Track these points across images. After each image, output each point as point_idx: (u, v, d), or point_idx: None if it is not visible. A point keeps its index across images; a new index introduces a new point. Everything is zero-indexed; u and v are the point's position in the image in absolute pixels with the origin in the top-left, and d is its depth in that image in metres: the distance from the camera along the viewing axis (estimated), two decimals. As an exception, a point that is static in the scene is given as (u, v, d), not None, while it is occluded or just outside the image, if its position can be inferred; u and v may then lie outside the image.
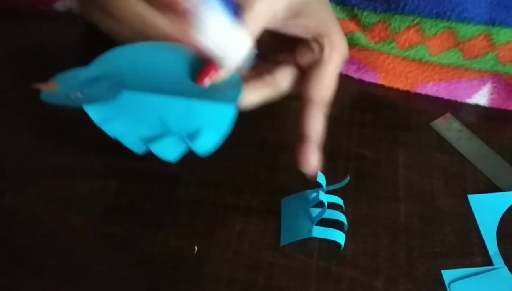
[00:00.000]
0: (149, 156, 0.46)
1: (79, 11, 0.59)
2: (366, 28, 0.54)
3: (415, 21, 0.51)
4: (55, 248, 0.41)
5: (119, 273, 0.40)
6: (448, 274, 0.40)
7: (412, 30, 0.52)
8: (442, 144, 0.49)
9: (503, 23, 0.50)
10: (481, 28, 0.50)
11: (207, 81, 0.34)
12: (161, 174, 0.45)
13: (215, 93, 0.34)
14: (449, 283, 0.40)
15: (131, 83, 0.34)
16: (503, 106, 0.53)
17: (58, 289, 0.39)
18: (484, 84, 0.53)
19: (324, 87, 0.38)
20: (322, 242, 0.42)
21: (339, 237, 0.41)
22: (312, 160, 0.38)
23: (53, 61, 0.55)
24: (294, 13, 0.37)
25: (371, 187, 0.46)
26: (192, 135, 0.35)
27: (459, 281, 0.40)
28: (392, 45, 0.53)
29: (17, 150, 0.47)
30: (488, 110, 0.53)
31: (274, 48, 0.41)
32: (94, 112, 0.36)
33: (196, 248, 0.41)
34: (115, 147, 0.47)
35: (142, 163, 0.46)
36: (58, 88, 0.36)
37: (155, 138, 0.36)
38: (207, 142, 0.35)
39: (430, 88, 0.54)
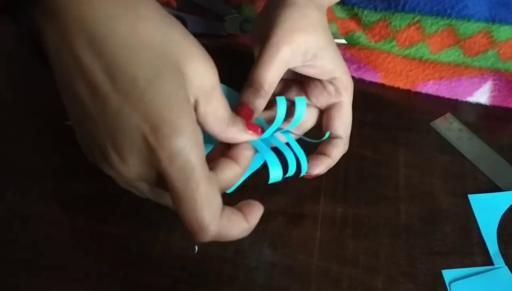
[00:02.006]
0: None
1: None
2: (366, 27, 0.53)
3: (415, 19, 0.51)
4: (55, 248, 0.41)
5: (119, 273, 0.40)
6: (448, 274, 0.40)
7: (412, 28, 0.52)
8: (443, 144, 0.49)
9: (503, 20, 0.50)
10: (481, 25, 0.50)
11: None
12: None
13: None
14: (450, 283, 0.40)
15: None
16: (504, 104, 0.53)
17: (58, 289, 0.39)
18: (485, 82, 0.53)
19: (347, 125, 0.43)
20: (323, 242, 0.42)
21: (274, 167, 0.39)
22: (318, 168, 0.42)
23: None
24: (312, 56, 0.40)
25: (372, 186, 0.45)
26: None
27: (459, 281, 0.40)
28: (392, 43, 0.53)
29: (17, 149, 0.47)
30: (488, 110, 0.53)
31: (285, 87, 0.45)
32: None
33: (196, 247, 0.41)
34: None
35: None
36: None
37: None
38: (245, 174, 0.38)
39: (430, 87, 0.54)
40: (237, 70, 0.54)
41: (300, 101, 0.39)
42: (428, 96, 0.54)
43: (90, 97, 0.30)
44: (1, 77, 0.53)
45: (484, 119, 0.52)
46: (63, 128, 0.49)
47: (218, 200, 0.32)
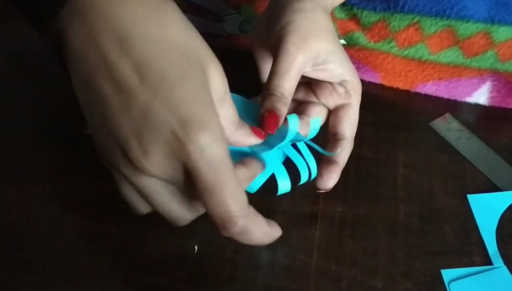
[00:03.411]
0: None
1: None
2: (365, 27, 0.54)
3: (415, 20, 0.51)
4: (55, 248, 0.41)
5: (119, 272, 0.40)
6: (447, 274, 0.40)
7: (411, 29, 0.52)
8: (442, 144, 0.49)
9: (502, 21, 0.50)
10: (480, 26, 0.50)
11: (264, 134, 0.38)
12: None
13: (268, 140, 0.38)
14: (449, 283, 0.40)
15: None
16: (503, 105, 0.53)
17: (58, 289, 0.39)
18: (483, 83, 0.53)
19: (354, 126, 0.43)
20: (322, 241, 0.42)
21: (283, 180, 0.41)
22: (332, 179, 0.42)
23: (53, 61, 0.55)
24: (322, 61, 0.40)
25: (371, 186, 0.46)
26: None
27: (458, 281, 0.40)
28: (391, 44, 0.53)
29: (17, 150, 0.47)
30: (487, 110, 0.53)
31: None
32: None
33: (196, 247, 0.41)
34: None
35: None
36: None
37: None
38: (258, 183, 0.40)
39: (429, 87, 0.54)
40: (236, 71, 0.54)
41: (315, 122, 0.41)
42: (427, 96, 0.54)
43: (115, 93, 0.30)
44: (1, 77, 0.53)
45: (483, 120, 0.52)
46: (63, 128, 0.49)
47: (244, 195, 0.33)
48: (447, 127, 0.50)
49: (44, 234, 0.42)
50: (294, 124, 0.39)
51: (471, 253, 0.41)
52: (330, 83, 0.42)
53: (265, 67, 0.45)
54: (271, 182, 0.41)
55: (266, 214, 0.42)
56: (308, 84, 0.44)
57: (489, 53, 0.51)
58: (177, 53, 0.31)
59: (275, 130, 0.38)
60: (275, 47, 0.39)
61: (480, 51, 0.51)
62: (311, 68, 0.41)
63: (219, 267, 0.40)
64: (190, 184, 0.31)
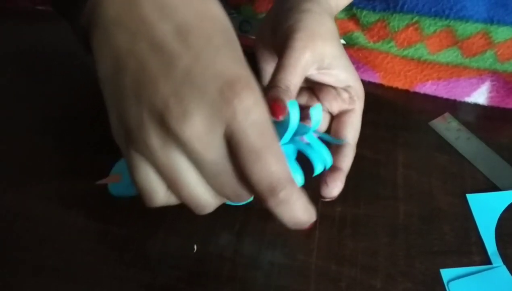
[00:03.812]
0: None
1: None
2: (365, 27, 0.54)
3: (414, 20, 0.51)
4: (55, 248, 0.41)
5: (119, 272, 0.40)
6: (446, 273, 0.40)
7: (410, 29, 0.52)
8: (441, 144, 0.49)
9: (501, 21, 0.50)
10: (479, 26, 0.50)
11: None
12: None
13: None
14: (448, 282, 0.40)
15: None
16: (502, 105, 0.53)
17: (58, 288, 0.39)
18: (483, 83, 0.53)
19: (357, 132, 0.43)
20: (321, 241, 0.42)
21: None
22: (338, 187, 0.42)
23: (53, 61, 0.55)
24: (327, 64, 0.41)
25: (370, 186, 0.46)
26: None
27: (457, 280, 0.40)
28: (391, 44, 0.53)
29: (17, 149, 0.47)
30: (486, 109, 0.53)
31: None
32: None
33: (195, 247, 0.41)
34: (114, 146, 0.48)
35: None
36: (122, 178, 0.38)
37: None
38: None
39: (429, 87, 0.54)
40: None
41: (317, 108, 0.40)
42: (426, 96, 0.54)
43: (155, 56, 0.29)
44: (1, 77, 0.53)
45: (483, 119, 0.52)
46: (63, 128, 0.49)
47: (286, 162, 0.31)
48: (447, 127, 0.51)
49: (44, 234, 0.42)
50: (294, 110, 0.38)
51: (471, 252, 0.42)
52: (334, 88, 0.43)
53: (268, 69, 0.45)
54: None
55: (266, 214, 0.42)
56: (311, 89, 0.44)
57: (488, 53, 0.51)
58: (219, 25, 0.31)
59: (281, 117, 0.37)
60: (282, 45, 0.40)
61: (479, 51, 0.52)
62: (316, 71, 0.41)
63: (219, 266, 0.40)
64: (226, 155, 0.30)
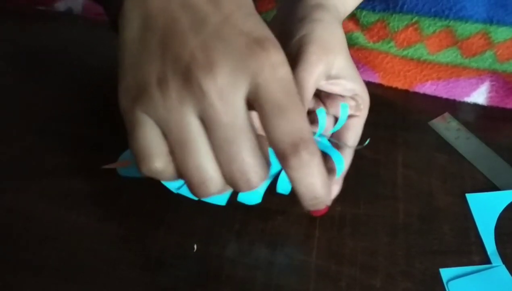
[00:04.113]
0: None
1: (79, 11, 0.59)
2: (364, 27, 0.54)
3: (413, 20, 0.52)
4: (55, 248, 0.41)
5: (119, 271, 0.40)
6: (446, 273, 0.40)
7: (410, 29, 0.52)
8: (441, 143, 0.49)
9: (501, 22, 0.50)
10: (479, 26, 0.50)
11: None
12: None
13: None
14: (447, 282, 0.40)
15: None
16: (501, 105, 0.53)
17: (58, 288, 0.39)
18: (482, 83, 0.53)
19: (357, 137, 0.44)
20: (321, 241, 0.42)
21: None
22: (335, 190, 0.42)
23: (53, 61, 0.55)
24: (335, 74, 0.41)
25: (370, 186, 0.46)
26: None
27: (457, 280, 0.40)
28: (390, 44, 0.53)
29: (17, 149, 0.47)
30: (486, 109, 0.53)
31: None
32: (172, 184, 0.39)
33: (195, 246, 0.41)
34: (116, 146, 0.48)
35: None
36: (132, 164, 0.37)
37: None
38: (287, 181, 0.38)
39: (428, 87, 0.54)
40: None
41: (345, 107, 0.42)
42: (426, 96, 0.54)
43: (187, 16, 0.29)
44: (1, 77, 0.53)
45: (482, 119, 0.52)
46: (63, 128, 0.49)
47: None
48: (446, 127, 0.51)
49: (44, 233, 0.42)
50: (322, 119, 0.39)
51: (470, 252, 0.42)
52: (341, 96, 0.43)
53: None
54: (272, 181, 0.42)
55: (265, 214, 0.43)
56: (317, 96, 0.44)
57: (488, 53, 0.51)
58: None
59: None
60: (294, 56, 0.39)
61: (479, 52, 0.52)
62: (325, 82, 0.41)
63: (219, 266, 0.40)
64: (244, 120, 0.29)
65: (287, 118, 0.29)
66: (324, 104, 0.43)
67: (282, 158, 0.29)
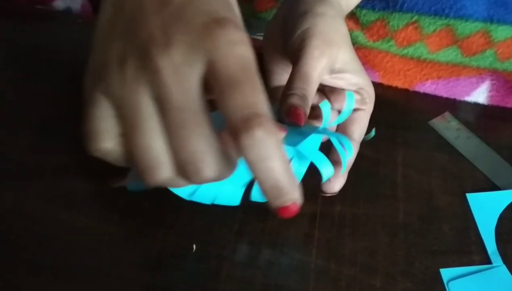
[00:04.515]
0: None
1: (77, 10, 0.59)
2: (364, 26, 0.54)
3: (413, 19, 0.51)
4: (55, 247, 0.41)
5: (119, 271, 0.40)
6: (446, 273, 0.40)
7: (410, 28, 0.52)
8: (441, 143, 0.49)
9: (501, 20, 0.50)
10: (479, 25, 0.50)
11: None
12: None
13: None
14: (448, 282, 0.40)
15: None
16: (502, 104, 0.53)
17: (58, 288, 0.39)
18: (482, 82, 0.53)
19: (363, 130, 0.44)
20: (321, 241, 0.42)
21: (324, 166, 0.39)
22: (339, 183, 0.43)
23: (53, 60, 0.55)
24: (339, 69, 0.41)
25: (370, 185, 0.46)
26: None
27: (457, 280, 0.40)
28: (390, 43, 0.53)
29: (17, 149, 0.47)
30: (486, 109, 0.53)
31: None
32: (182, 191, 0.39)
33: (194, 246, 0.41)
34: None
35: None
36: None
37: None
38: (300, 173, 0.40)
39: (428, 86, 0.54)
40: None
41: (350, 96, 0.42)
42: (426, 95, 0.54)
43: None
44: (1, 77, 0.53)
45: (482, 118, 0.52)
46: (63, 128, 0.49)
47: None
48: (446, 126, 0.50)
49: (44, 233, 0.42)
50: (327, 112, 0.39)
51: (470, 252, 0.42)
52: (345, 89, 0.43)
53: (277, 71, 0.45)
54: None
55: (265, 214, 0.43)
56: (321, 91, 0.44)
57: (488, 52, 0.51)
58: None
59: (303, 123, 0.37)
60: (296, 50, 0.39)
61: (479, 51, 0.52)
62: (328, 76, 0.41)
63: (218, 266, 0.40)
64: (196, 102, 0.28)
65: (240, 91, 0.27)
66: (329, 99, 0.43)
67: (235, 137, 0.27)
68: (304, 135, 0.38)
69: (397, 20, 0.52)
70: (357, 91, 0.42)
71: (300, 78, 0.38)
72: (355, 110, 0.43)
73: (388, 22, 0.52)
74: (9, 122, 0.50)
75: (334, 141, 0.40)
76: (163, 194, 0.44)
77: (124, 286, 0.39)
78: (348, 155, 0.42)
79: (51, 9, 0.59)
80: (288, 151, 0.38)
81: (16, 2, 0.59)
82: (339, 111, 0.43)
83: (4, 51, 0.56)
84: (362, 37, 0.54)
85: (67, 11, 0.59)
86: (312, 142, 0.39)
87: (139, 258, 0.41)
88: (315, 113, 0.42)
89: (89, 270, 0.40)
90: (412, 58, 0.53)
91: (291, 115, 0.37)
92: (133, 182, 0.40)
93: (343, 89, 0.42)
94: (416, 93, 0.54)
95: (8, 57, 0.55)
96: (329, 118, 0.40)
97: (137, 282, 0.39)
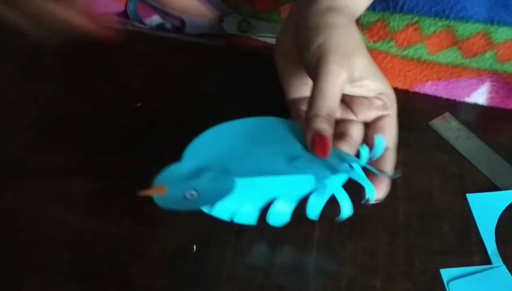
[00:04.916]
0: (148, 155, 0.46)
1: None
2: (364, 27, 0.54)
3: (414, 20, 0.51)
4: (55, 248, 0.41)
5: (119, 272, 0.40)
6: (446, 273, 0.40)
7: (410, 29, 0.52)
8: (441, 143, 0.49)
9: (502, 22, 0.50)
10: (479, 26, 0.50)
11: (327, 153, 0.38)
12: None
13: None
14: (448, 282, 0.40)
15: (233, 167, 0.38)
16: (501, 105, 0.53)
17: (58, 288, 0.39)
18: (482, 83, 0.53)
19: (395, 135, 0.43)
20: (321, 241, 0.42)
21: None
22: (383, 190, 0.42)
23: (53, 61, 0.55)
24: (358, 77, 0.40)
25: (370, 186, 0.46)
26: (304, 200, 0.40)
27: (457, 280, 0.40)
28: (390, 44, 0.53)
29: (16, 149, 0.47)
30: (486, 109, 0.53)
31: None
32: (224, 214, 0.40)
33: (195, 247, 0.41)
34: (115, 146, 0.48)
35: (142, 162, 0.46)
36: (167, 191, 0.37)
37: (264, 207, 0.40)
38: (317, 206, 0.40)
39: (428, 88, 0.54)
40: (235, 70, 0.55)
41: (380, 141, 0.41)
42: (426, 96, 0.54)
43: None
44: (1, 77, 0.53)
45: (483, 119, 0.52)
46: (63, 128, 0.49)
47: None
48: (447, 126, 0.50)
49: (44, 234, 0.42)
50: (365, 155, 0.39)
51: (471, 252, 0.41)
52: (366, 98, 0.42)
53: (293, 83, 0.45)
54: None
55: (265, 214, 0.42)
56: (343, 101, 0.43)
57: (488, 53, 0.51)
58: None
59: (327, 155, 0.38)
60: (314, 66, 0.39)
61: (479, 52, 0.52)
62: (349, 86, 0.40)
63: (218, 266, 0.40)
64: None
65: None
66: (351, 109, 0.43)
67: None
68: (333, 167, 0.38)
69: (398, 21, 0.52)
70: (377, 97, 0.42)
71: (321, 96, 0.38)
72: (381, 117, 0.43)
73: (389, 23, 0.52)
74: (9, 122, 0.50)
75: (365, 184, 0.40)
76: (163, 194, 0.44)
77: (124, 287, 0.39)
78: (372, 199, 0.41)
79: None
80: (310, 180, 0.38)
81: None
82: (364, 123, 0.43)
83: (4, 51, 0.56)
84: (362, 38, 0.54)
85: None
86: (339, 178, 0.39)
87: (138, 258, 0.41)
88: (340, 129, 0.42)
89: (90, 270, 0.40)
90: (412, 59, 0.53)
91: (316, 147, 0.38)
92: (162, 197, 0.38)
93: (364, 97, 0.42)
94: (416, 94, 0.54)
95: (8, 57, 0.55)
96: (367, 160, 0.40)
97: (137, 282, 0.39)
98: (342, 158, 0.39)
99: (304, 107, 0.42)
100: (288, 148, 0.39)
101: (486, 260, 0.41)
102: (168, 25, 0.60)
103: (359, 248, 0.42)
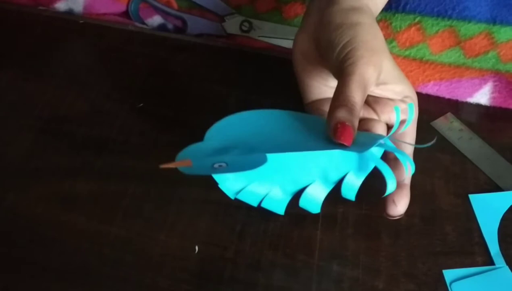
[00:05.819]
0: (149, 156, 0.46)
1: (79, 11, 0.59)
2: (366, 27, 0.53)
3: (416, 20, 0.51)
4: (55, 248, 0.41)
5: (120, 273, 0.40)
6: (449, 274, 0.40)
7: (413, 29, 0.52)
8: (443, 144, 0.49)
9: (504, 22, 0.50)
10: (482, 26, 0.50)
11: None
12: (162, 174, 0.45)
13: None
14: (451, 283, 0.40)
15: (259, 146, 0.37)
16: (504, 105, 0.53)
17: (58, 289, 0.39)
18: (485, 83, 0.53)
19: (413, 139, 0.43)
20: (324, 242, 0.42)
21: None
22: (405, 204, 0.41)
23: (53, 61, 0.55)
24: (383, 79, 0.40)
25: (372, 186, 0.45)
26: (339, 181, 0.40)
27: (460, 281, 0.40)
28: (393, 44, 0.53)
29: (17, 150, 0.47)
30: (489, 110, 0.53)
31: None
32: (229, 189, 0.40)
33: (196, 248, 0.41)
34: (115, 146, 0.47)
35: (143, 162, 0.46)
36: (193, 165, 0.36)
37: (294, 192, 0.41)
38: (355, 184, 0.40)
39: (431, 88, 0.54)
40: (236, 70, 0.55)
41: (411, 107, 0.40)
42: (428, 96, 0.54)
43: None
44: (1, 77, 0.53)
45: (485, 119, 0.52)
46: (63, 128, 0.49)
47: None
48: (449, 127, 0.50)
49: (44, 234, 0.42)
50: (398, 116, 0.38)
51: (473, 253, 0.41)
52: (391, 100, 0.42)
53: (313, 84, 0.44)
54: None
55: (267, 215, 0.42)
56: (366, 102, 0.43)
57: (491, 54, 0.51)
58: None
59: (350, 142, 0.36)
60: (341, 63, 0.38)
61: (482, 52, 0.51)
62: (374, 87, 0.40)
63: (220, 267, 0.40)
64: None
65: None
66: (375, 111, 0.43)
67: None
68: (366, 144, 0.36)
69: (400, 21, 0.52)
70: (402, 100, 0.42)
71: (349, 88, 0.36)
72: (403, 121, 0.42)
73: (391, 23, 0.52)
74: (9, 122, 0.50)
75: (401, 157, 0.39)
76: (164, 195, 0.44)
77: (125, 288, 0.39)
78: (412, 172, 0.40)
79: (53, 11, 0.59)
80: (348, 159, 0.38)
81: (18, 3, 0.59)
82: (387, 124, 0.43)
83: (5, 52, 0.56)
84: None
85: (69, 13, 0.59)
86: (376, 152, 0.38)
87: (140, 259, 0.41)
88: (362, 127, 0.41)
89: (90, 271, 0.40)
90: (414, 59, 0.53)
91: (338, 134, 0.35)
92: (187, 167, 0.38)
93: (389, 99, 0.42)
94: (418, 94, 0.54)
95: (8, 57, 0.55)
96: (399, 123, 0.38)
97: (138, 283, 0.39)
98: (370, 136, 0.38)
99: (326, 107, 0.40)
100: (312, 137, 0.38)
101: (489, 261, 0.41)
102: (170, 26, 0.60)
103: (362, 249, 0.42)
